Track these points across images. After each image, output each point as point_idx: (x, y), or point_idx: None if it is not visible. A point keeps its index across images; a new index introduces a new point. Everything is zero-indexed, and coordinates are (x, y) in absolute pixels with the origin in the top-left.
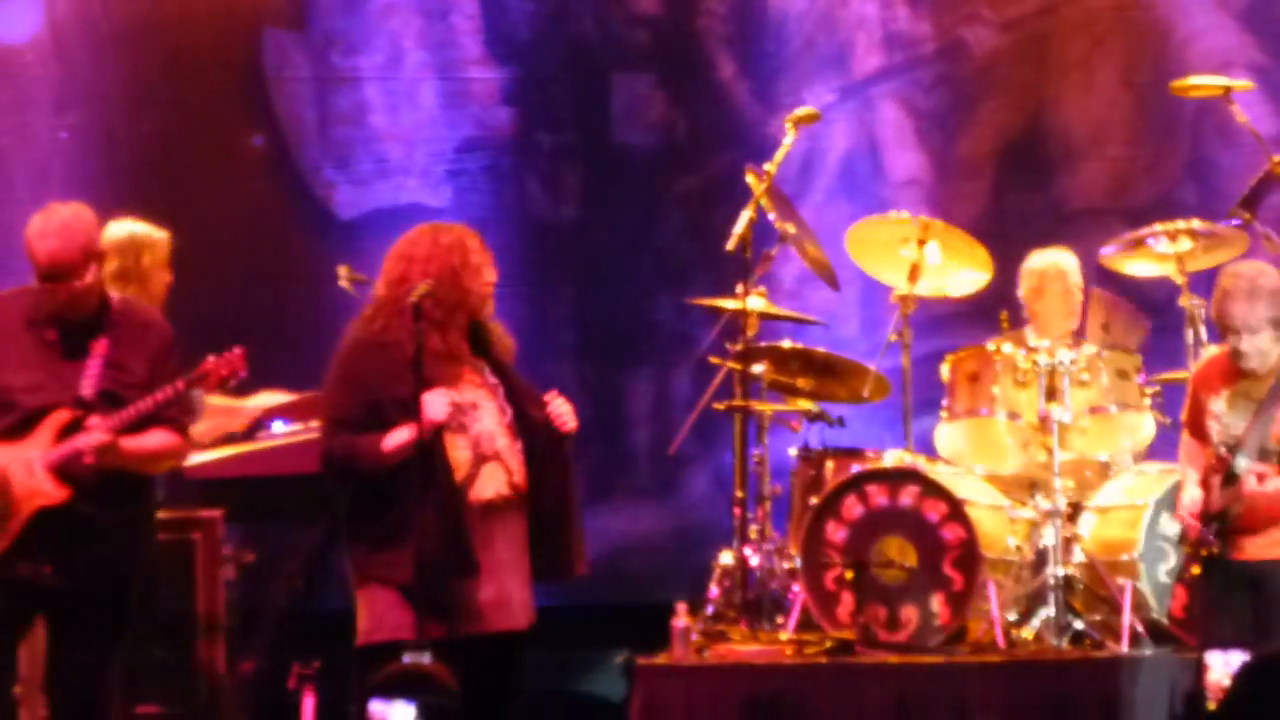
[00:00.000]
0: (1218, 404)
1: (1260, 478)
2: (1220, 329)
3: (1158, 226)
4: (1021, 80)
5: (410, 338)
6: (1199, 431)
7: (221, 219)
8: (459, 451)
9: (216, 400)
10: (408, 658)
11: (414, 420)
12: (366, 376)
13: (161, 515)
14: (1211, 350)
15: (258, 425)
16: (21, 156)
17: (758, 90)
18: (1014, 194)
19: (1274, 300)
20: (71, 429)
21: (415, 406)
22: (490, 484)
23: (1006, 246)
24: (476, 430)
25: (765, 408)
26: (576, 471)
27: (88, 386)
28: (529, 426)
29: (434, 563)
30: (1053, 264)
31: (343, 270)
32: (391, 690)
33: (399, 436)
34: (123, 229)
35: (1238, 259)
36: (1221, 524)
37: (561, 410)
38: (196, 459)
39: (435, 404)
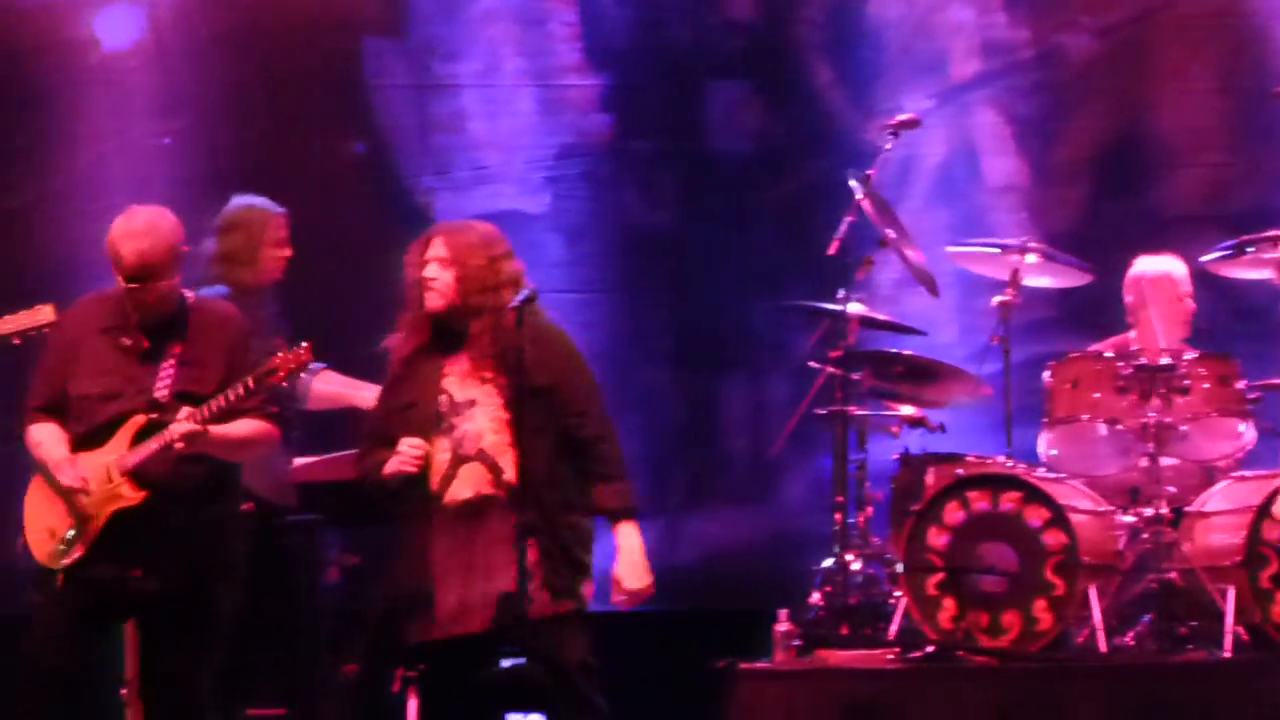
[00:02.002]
0: None
1: None
2: None
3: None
4: (1119, 87)
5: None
6: None
7: (322, 226)
8: (440, 455)
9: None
10: (506, 664)
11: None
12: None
13: (264, 517)
14: None
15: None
16: (123, 162)
17: (854, 97)
18: (1111, 200)
19: None
20: (146, 432)
21: (407, 410)
22: (468, 484)
23: (1104, 253)
24: (462, 430)
25: (866, 413)
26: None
27: (162, 389)
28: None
29: (401, 576)
30: (1162, 272)
31: None
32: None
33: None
34: (240, 203)
35: None
36: None
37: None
38: (299, 462)
39: (392, 461)
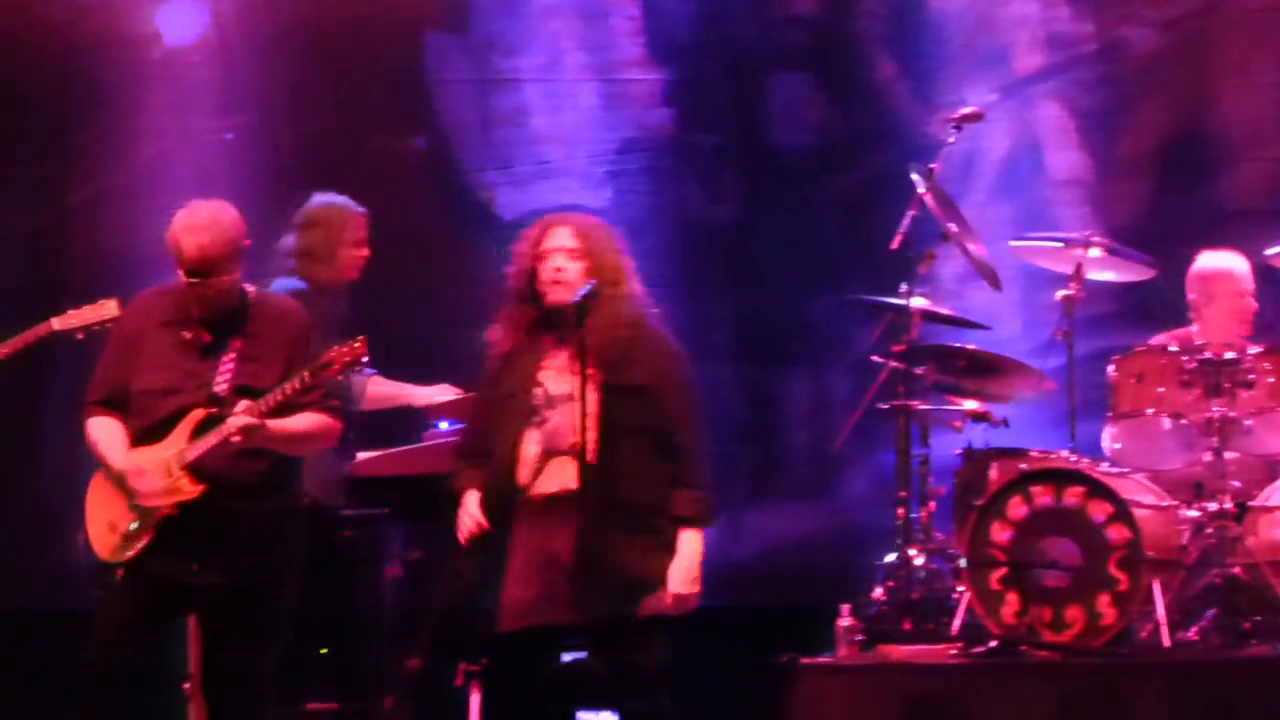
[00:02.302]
0: None
1: None
2: None
3: None
4: (1182, 80)
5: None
6: None
7: (383, 220)
8: (530, 448)
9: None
10: (567, 657)
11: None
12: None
13: (314, 514)
14: None
15: (424, 423)
16: (186, 157)
17: (917, 90)
18: (1174, 194)
19: None
20: (206, 426)
21: (503, 402)
22: (555, 478)
23: (1167, 247)
24: (554, 423)
25: (928, 408)
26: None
27: (222, 383)
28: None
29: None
30: (1224, 269)
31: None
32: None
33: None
34: (322, 200)
35: None
36: None
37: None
38: (362, 456)
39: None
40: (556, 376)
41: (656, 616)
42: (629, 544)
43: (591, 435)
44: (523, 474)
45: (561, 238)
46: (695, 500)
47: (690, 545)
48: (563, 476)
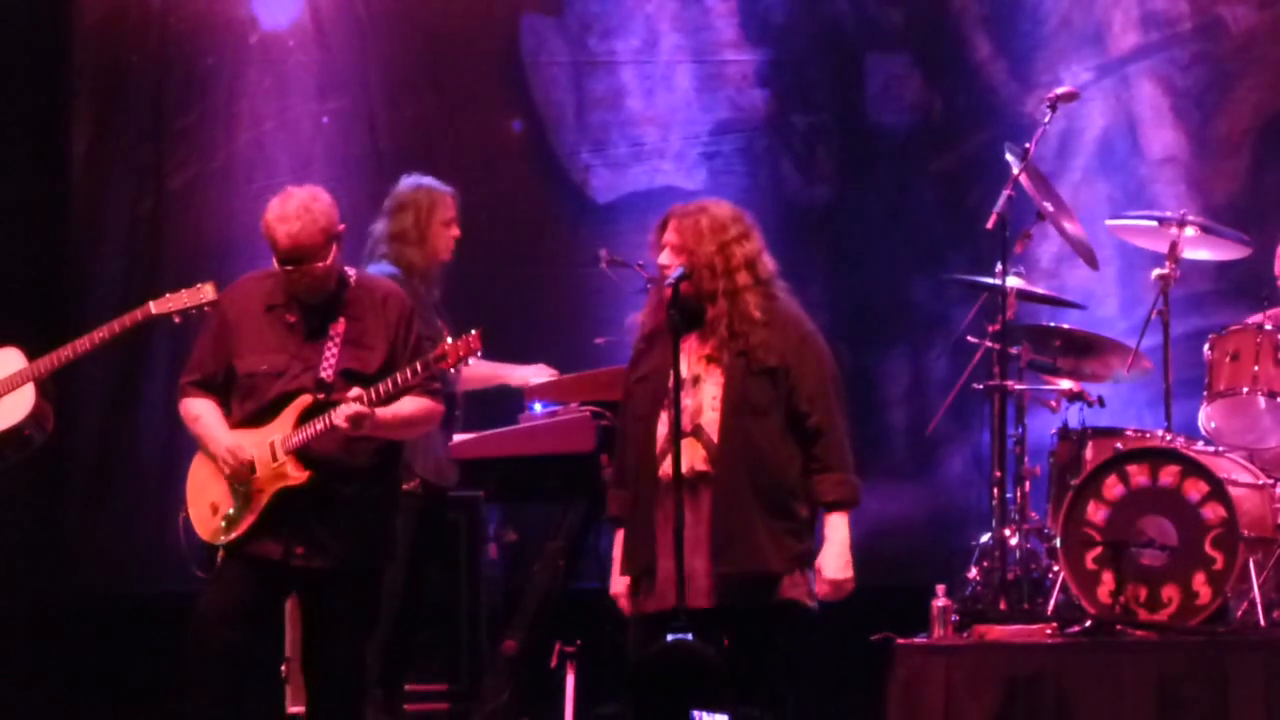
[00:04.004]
0: None
1: None
2: None
3: None
4: (1278, 58)
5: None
6: None
7: (480, 203)
8: (661, 428)
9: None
10: (671, 637)
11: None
12: (630, 361)
13: (428, 496)
14: None
15: (520, 405)
16: (284, 141)
17: (1013, 69)
18: (1271, 172)
19: None
20: (312, 412)
21: (641, 383)
22: (683, 459)
23: (1264, 224)
24: (683, 404)
25: (1024, 387)
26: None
27: (328, 368)
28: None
29: (627, 538)
30: None
31: (604, 253)
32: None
33: None
34: (409, 184)
35: None
36: None
37: None
38: (459, 438)
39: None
40: (688, 360)
41: (789, 603)
42: (762, 527)
43: (715, 417)
44: (655, 454)
45: (669, 231)
46: (839, 483)
47: (839, 530)
48: (689, 457)
